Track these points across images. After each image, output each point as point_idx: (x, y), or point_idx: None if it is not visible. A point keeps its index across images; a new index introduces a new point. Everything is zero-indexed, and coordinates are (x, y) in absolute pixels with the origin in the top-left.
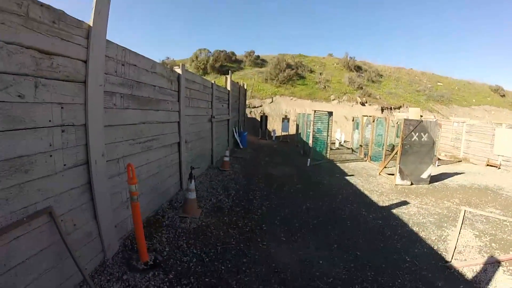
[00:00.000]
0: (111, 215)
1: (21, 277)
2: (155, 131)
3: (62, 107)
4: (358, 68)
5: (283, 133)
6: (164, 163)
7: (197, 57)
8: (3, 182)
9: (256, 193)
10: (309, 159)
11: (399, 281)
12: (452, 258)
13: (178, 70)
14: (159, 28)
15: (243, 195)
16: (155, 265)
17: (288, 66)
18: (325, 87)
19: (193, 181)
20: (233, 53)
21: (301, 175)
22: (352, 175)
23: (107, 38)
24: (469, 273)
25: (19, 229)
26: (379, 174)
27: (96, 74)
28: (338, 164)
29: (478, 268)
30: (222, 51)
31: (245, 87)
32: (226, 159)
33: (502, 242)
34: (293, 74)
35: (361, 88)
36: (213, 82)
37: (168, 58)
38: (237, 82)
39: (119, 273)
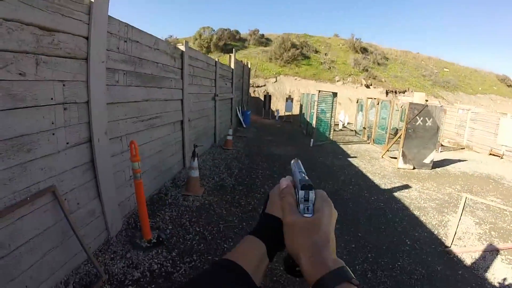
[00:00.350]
0: (115, 194)
1: (26, 257)
2: (158, 109)
3: (64, 85)
4: (364, 50)
5: (287, 113)
6: (167, 141)
7: (200, 36)
8: (6, 162)
9: (259, 172)
10: (312, 140)
11: (399, 263)
12: (452, 244)
13: (181, 47)
14: (162, 6)
15: (246, 174)
16: (158, 243)
17: (293, 45)
18: (330, 68)
19: (196, 159)
20: (237, 32)
21: (304, 156)
22: (355, 157)
23: (109, 14)
24: (468, 259)
25: (23, 208)
26: (382, 157)
27: (98, 50)
28: (341, 145)
29: (477, 255)
30: (226, 30)
31: (249, 66)
32: (229, 137)
33: (502, 231)
34: (297, 54)
35: (367, 70)
36: (216, 60)
37: (171, 36)
38: (241, 61)
39: (122, 251)
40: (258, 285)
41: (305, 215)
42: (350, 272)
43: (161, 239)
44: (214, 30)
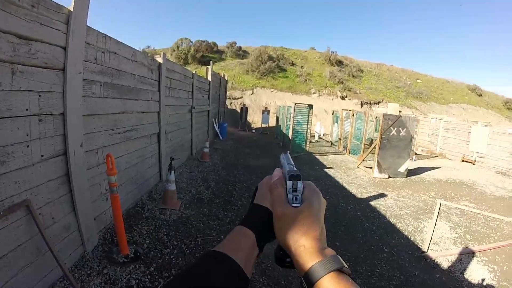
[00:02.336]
0: (90, 208)
1: (0, 274)
2: (135, 121)
3: (39, 95)
4: (340, 63)
5: (263, 125)
6: (143, 154)
7: (178, 47)
8: None
9: (236, 185)
10: (288, 151)
11: (378, 270)
12: (428, 249)
13: (159, 59)
14: (140, 16)
15: (223, 186)
16: (135, 258)
17: (270, 58)
18: (306, 80)
19: (173, 172)
20: (214, 44)
21: (280, 167)
22: (331, 168)
23: (87, 24)
24: (445, 263)
25: None
26: (358, 167)
27: (75, 61)
28: (317, 156)
29: (453, 258)
30: (204, 41)
31: (226, 78)
32: (206, 150)
33: (476, 234)
34: (274, 67)
35: (342, 82)
36: (194, 72)
37: (149, 47)
38: (218, 73)
39: (99, 267)
40: (249, 277)
41: (293, 204)
42: (342, 260)
43: (138, 254)
44: (191, 42)
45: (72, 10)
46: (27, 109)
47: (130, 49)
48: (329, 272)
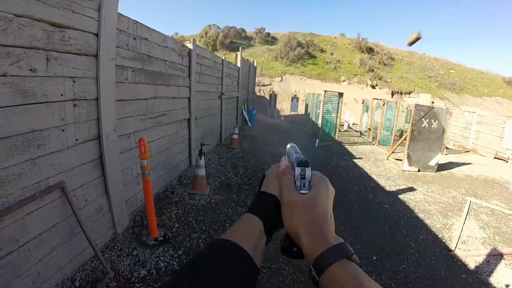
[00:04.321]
0: (122, 191)
1: (34, 252)
2: (166, 106)
3: (74, 81)
4: (370, 50)
5: (292, 113)
6: (174, 139)
7: (206, 33)
8: (16, 157)
9: (265, 172)
10: (317, 140)
11: (403, 266)
12: (456, 247)
13: (189, 45)
14: (167, 2)
15: (252, 173)
16: (164, 241)
17: (299, 44)
18: (335, 67)
19: (203, 157)
20: (243, 30)
21: (309, 156)
22: (360, 158)
23: (118, 11)
24: (472, 263)
25: (32, 204)
26: (387, 159)
27: (108, 47)
28: (346, 146)
29: (480, 259)
30: (232, 27)
31: (255, 65)
32: (235, 136)
33: (506, 235)
34: (303, 53)
35: (372, 70)
36: (223, 58)
37: (177, 33)
38: (247, 59)
39: (129, 249)
40: (258, 266)
41: (302, 191)
42: (350, 248)
43: (167, 237)
44: (220, 28)
45: None
46: (62, 95)
47: (160, 35)
48: (339, 260)
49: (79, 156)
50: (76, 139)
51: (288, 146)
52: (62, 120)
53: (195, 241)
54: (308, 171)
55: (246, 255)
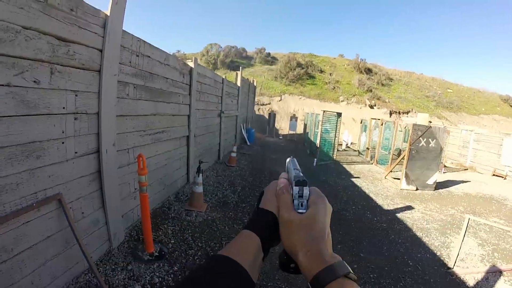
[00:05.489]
0: (119, 205)
1: (28, 262)
2: (165, 123)
3: (76, 95)
4: (369, 71)
5: (291, 132)
6: (172, 156)
7: (208, 52)
8: (15, 167)
9: (263, 188)
10: (315, 159)
11: (401, 284)
12: (454, 265)
13: (191, 63)
14: (170, 21)
15: (249, 191)
16: (160, 256)
17: (299, 65)
18: (334, 88)
19: (201, 175)
20: (243, 49)
21: (307, 175)
22: (358, 177)
23: (123, 28)
24: (471, 281)
25: (28, 214)
26: (385, 178)
27: (111, 63)
28: (344, 165)
29: (479, 276)
30: (233, 47)
31: (255, 84)
32: (233, 154)
33: (505, 252)
34: (303, 73)
35: (371, 90)
36: (223, 77)
37: (179, 51)
38: (247, 79)
39: (124, 263)
40: (255, 281)
41: (299, 210)
42: (348, 266)
43: (163, 253)
44: (221, 47)
45: (108, 14)
46: (63, 108)
47: (163, 53)
48: (336, 278)
49: (78, 169)
50: (76, 152)
51: (288, 160)
52: (63, 132)
53: (191, 257)
54: (306, 190)
55: (243, 271)
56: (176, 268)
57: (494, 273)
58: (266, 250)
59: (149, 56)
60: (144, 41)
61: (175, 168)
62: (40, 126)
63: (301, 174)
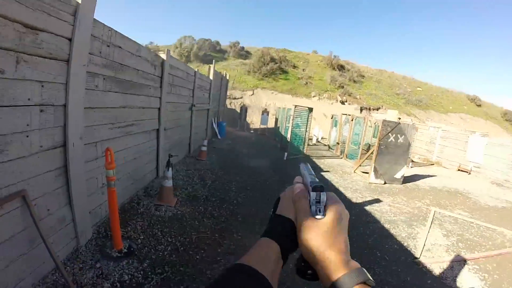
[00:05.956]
0: (86, 201)
1: None
2: (135, 116)
3: (42, 86)
4: (341, 67)
5: (262, 126)
6: (141, 150)
7: (181, 44)
8: None
9: (232, 184)
10: (286, 153)
11: (370, 274)
12: (421, 255)
13: (163, 55)
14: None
15: (219, 185)
16: (129, 253)
17: (272, 59)
18: (306, 83)
19: (170, 169)
20: (218, 43)
21: (278, 168)
22: (328, 171)
23: (94, 17)
24: (437, 270)
25: None
26: (354, 172)
27: (80, 53)
28: (314, 159)
29: (445, 265)
30: (207, 40)
31: (227, 78)
32: (204, 148)
33: (469, 242)
34: (276, 68)
35: (342, 87)
36: (196, 70)
37: (152, 43)
38: (220, 72)
39: (92, 261)
40: None
41: (317, 216)
42: (367, 273)
43: (132, 249)
44: (195, 40)
45: (80, 2)
46: (29, 99)
47: (135, 44)
48: (354, 285)
49: (43, 164)
50: (41, 146)
51: (301, 166)
52: (28, 125)
53: (160, 253)
54: (324, 196)
55: (264, 280)
56: (145, 264)
57: (459, 262)
58: (285, 257)
59: (120, 47)
60: (115, 30)
61: (144, 162)
62: (4, 119)
63: (317, 180)
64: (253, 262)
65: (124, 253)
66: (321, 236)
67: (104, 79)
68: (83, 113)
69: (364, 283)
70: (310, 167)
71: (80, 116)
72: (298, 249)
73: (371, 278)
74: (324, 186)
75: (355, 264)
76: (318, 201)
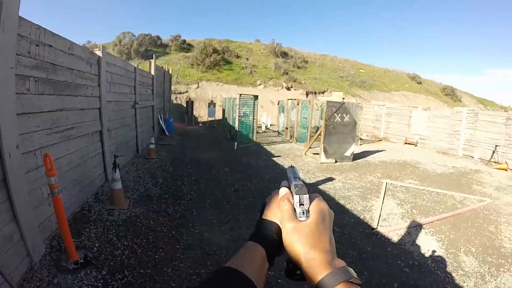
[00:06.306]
0: (32, 214)
1: None
2: (75, 118)
3: None
4: (285, 54)
5: (210, 119)
6: (86, 154)
7: (120, 41)
8: None
9: (185, 179)
10: (236, 143)
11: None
12: (378, 225)
13: (98, 52)
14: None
15: (171, 182)
16: (86, 263)
17: (215, 51)
18: (251, 72)
19: (117, 170)
20: (158, 37)
21: (229, 159)
22: (279, 156)
23: (20, 14)
24: (395, 237)
25: None
26: (305, 154)
27: (7, 55)
28: (265, 146)
29: (402, 232)
30: (147, 35)
31: (171, 72)
32: (152, 146)
33: (422, 208)
34: (219, 59)
35: (287, 73)
36: (136, 66)
37: (90, 42)
38: (162, 67)
39: (49, 277)
40: None
41: (301, 218)
42: (352, 271)
43: (88, 258)
44: (134, 36)
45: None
46: None
47: (66, 41)
48: (339, 284)
49: None
50: None
51: (288, 170)
52: None
53: (118, 258)
54: (307, 198)
55: (248, 280)
56: (104, 272)
57: (415, 228)
58: (271, 260)
59: (51, 45)
60: (44, 28)
61: (90, 166)
62: None
63: (301, 182)
64: (238, 265)
65: (81, 263)
66: (305, 238)
67: (36, 81)
68: (16, 119)
69: (350, 281)
70: (296, 170)
71: (13, 123)
72: (285, 252)
73: (356, 276)
74: (308, 188)
75: (339, 262)
76: (302, 204)
